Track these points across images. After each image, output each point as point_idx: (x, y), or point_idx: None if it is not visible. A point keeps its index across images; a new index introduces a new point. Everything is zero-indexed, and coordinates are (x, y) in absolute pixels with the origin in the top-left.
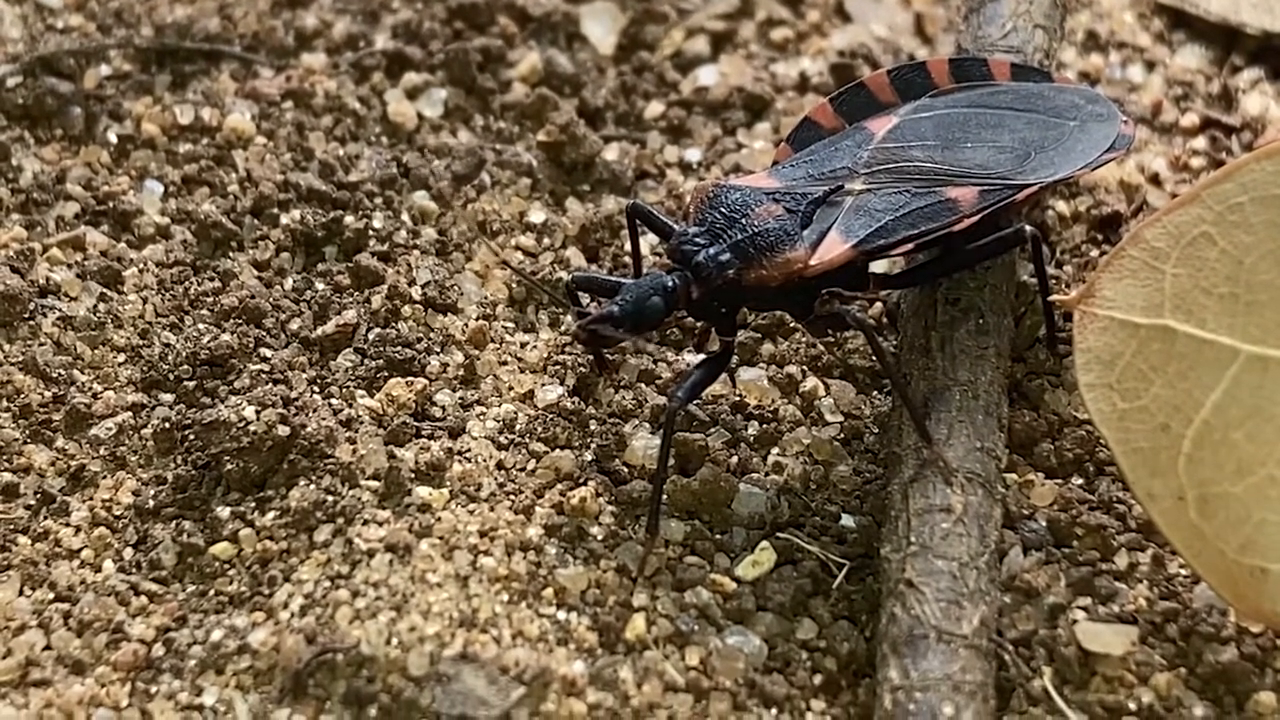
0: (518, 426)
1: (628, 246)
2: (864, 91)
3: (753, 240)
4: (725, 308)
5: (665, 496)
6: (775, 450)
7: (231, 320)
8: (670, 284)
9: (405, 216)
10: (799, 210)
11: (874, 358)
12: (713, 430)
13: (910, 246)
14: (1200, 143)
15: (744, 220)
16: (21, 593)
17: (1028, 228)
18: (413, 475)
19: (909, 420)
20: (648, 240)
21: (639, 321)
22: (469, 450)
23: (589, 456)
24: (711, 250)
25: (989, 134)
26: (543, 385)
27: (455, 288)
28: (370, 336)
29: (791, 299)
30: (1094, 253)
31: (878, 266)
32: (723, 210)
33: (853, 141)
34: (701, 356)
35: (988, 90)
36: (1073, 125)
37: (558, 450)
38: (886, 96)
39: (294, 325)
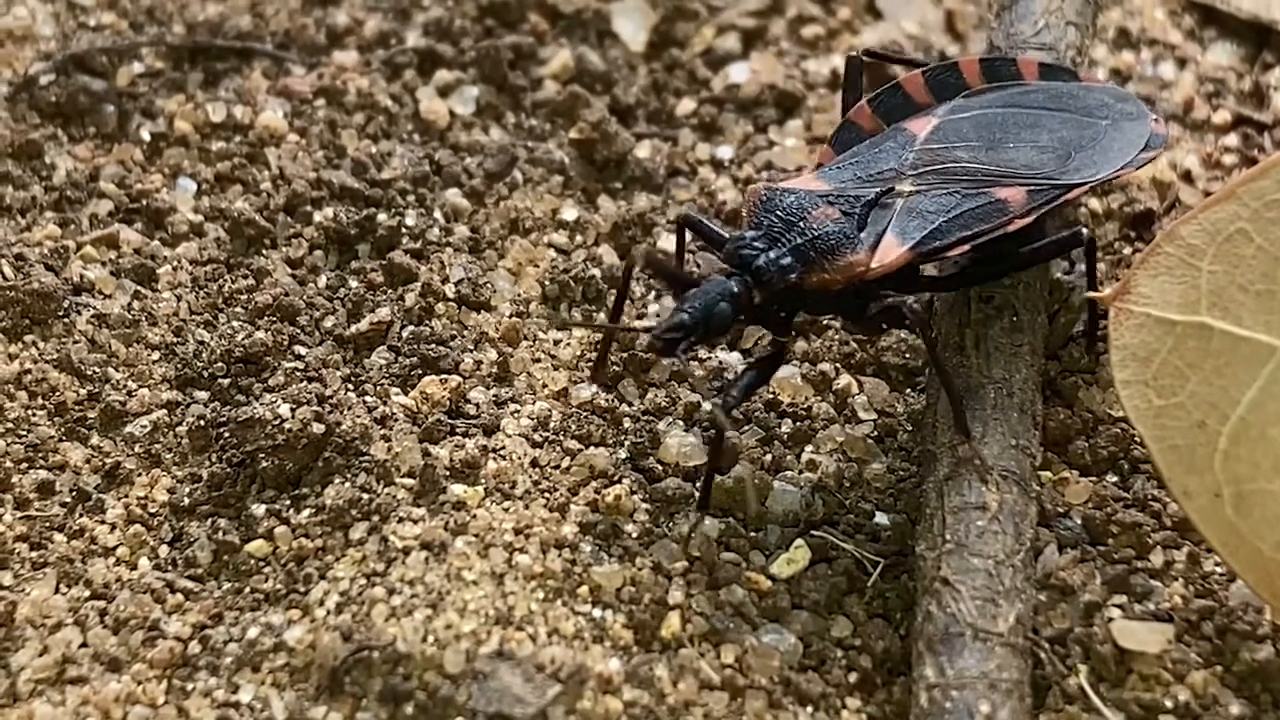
0: (551, 424)
1: (663, 245)
2: (900, 92)
3: (813, 244)
4: (784, 311)
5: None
6: (809, 448)
7: (265, 318)
8: (736, 288)
9: (438, 214)
10: (854, 213)
11: (908, 355)
12: (746, 428)
13: (966, 248)
14: (1232, 140)
15: (802, 224)
16: (58, 590)
17: (1084, 230)
18: (447, 473)
19: (945, 417)
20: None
21: (709, 328)
22: (503, 448)
23: (623, 454)
24: (772, 254)
25: (1028, 134)
26: (576, 383)
27: (488, 285)
28: (404, 334)
29: (848, 302)
30: (1127, 250)
31: (929, 269)
32: (779, 214)
33: (895, 143)
34: (753, 359)
35: (1019, 90)
36: (1105, 124)
37: (592, 448)
38: (922, 97)
39: (328, 323)
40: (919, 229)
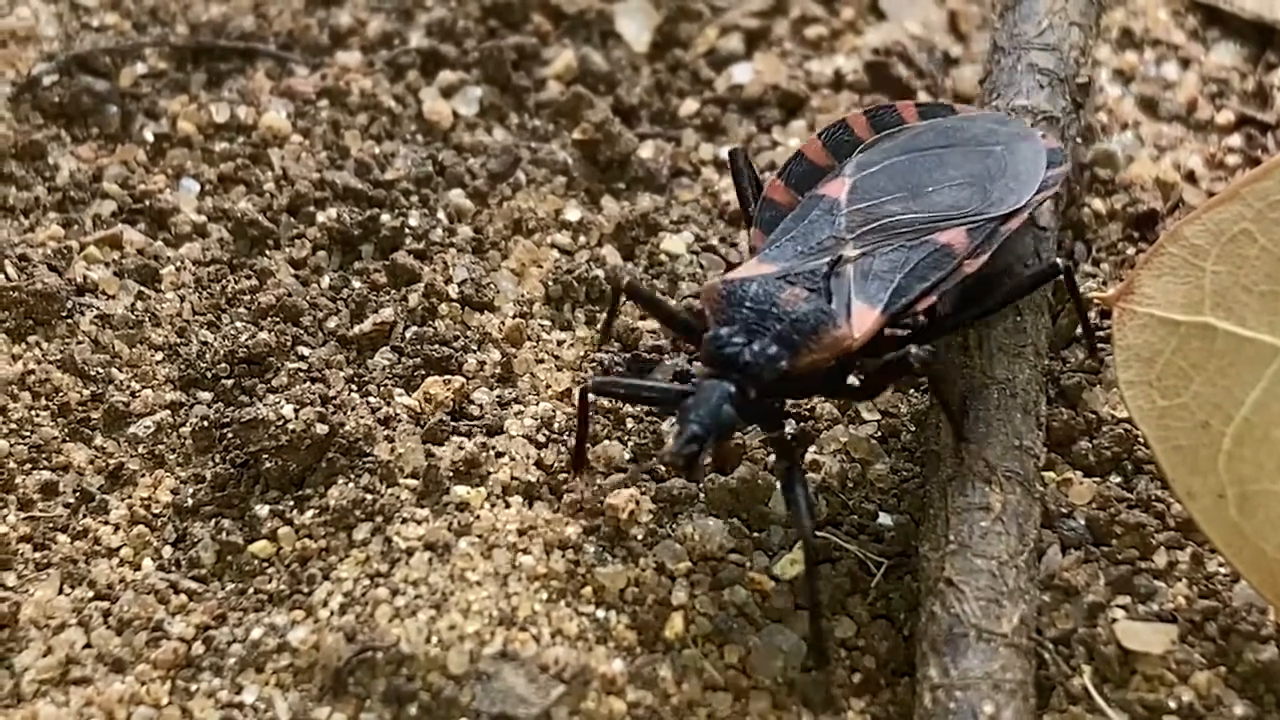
0: (555, 425)
1: (663, 246)
2: (804, 159)
3: (794, 328)
4: (777, 403)
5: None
6: (812, 448)
7: (269, 318)
8: (732, 389)
9: (441, 214)
10: (819, 288)
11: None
12: (750, 429)
13: (933, 299)
14: (1235, 140)
15: (775, 310)
16: (61, 591)
17: (1060, 261)
18: (451, 474)
19: (947, 424)
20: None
21: (720, 435)
22: (507, 449)
23: (627, 455)
24: (756, 347)
25: (940, 174)
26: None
27: (492, 286)
28: (407, 335)
29: (835, 378)
30: (1130, 250)
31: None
32: (748, 305)
33: (821, 211)
34: (782, 475)
35: (909, 135)
36: (1000, 149)
37: (596, 448)
38: (824, 160)
39: (331, 324)
40: (881, 289)
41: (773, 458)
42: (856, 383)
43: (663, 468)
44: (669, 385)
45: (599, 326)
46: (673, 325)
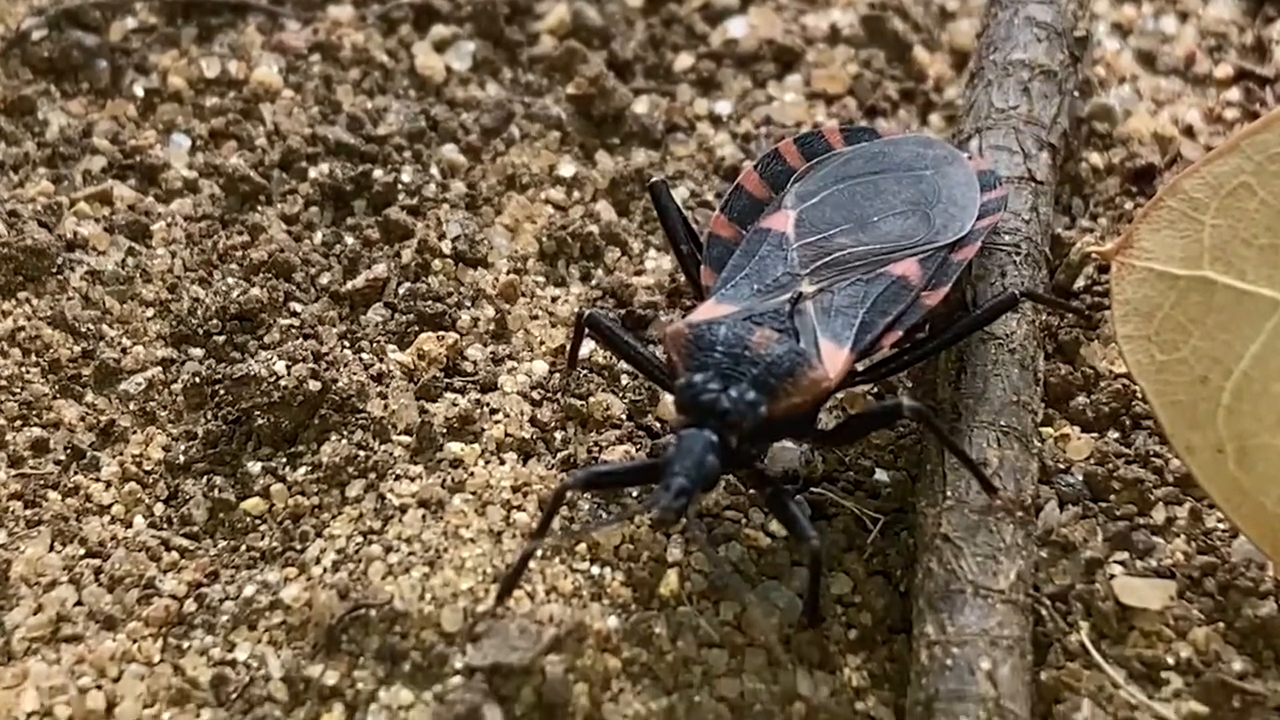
0: (550, 381)
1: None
2: (744, 192)
3: (769, 371)
4: (755, 449)
5: None
6: None
7: (260, 274)
8: (714, 438)
9: (434, 170)
10: (786, 328)
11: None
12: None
13: (899, 334)
14: (1234, 94)
15: (748, 353)
16: (52, 548)
17: (1017, 291)
18: (444, 430)
19: (945, 374)
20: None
21: (707, 485)
22: (501, 405)
23: (622, 412)
24: (733, 393)
25: (880, 204)
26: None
27: (485, 242)
28: (400, 291)
29: (802, 422)
30: (1128, 205)
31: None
32: (720, 349)
33: (770, 246)
34: (769, 502)
35: (839, 161)
36: (930, 174)
37: (590, 405)
38: (761, 192)
39: (324, 279)
40: (846, 327)
41: (753, 492)
42: (831, 427)
43: (657, 424)
44: (648, 462)
45: (566, 355)
46: (636, 365)
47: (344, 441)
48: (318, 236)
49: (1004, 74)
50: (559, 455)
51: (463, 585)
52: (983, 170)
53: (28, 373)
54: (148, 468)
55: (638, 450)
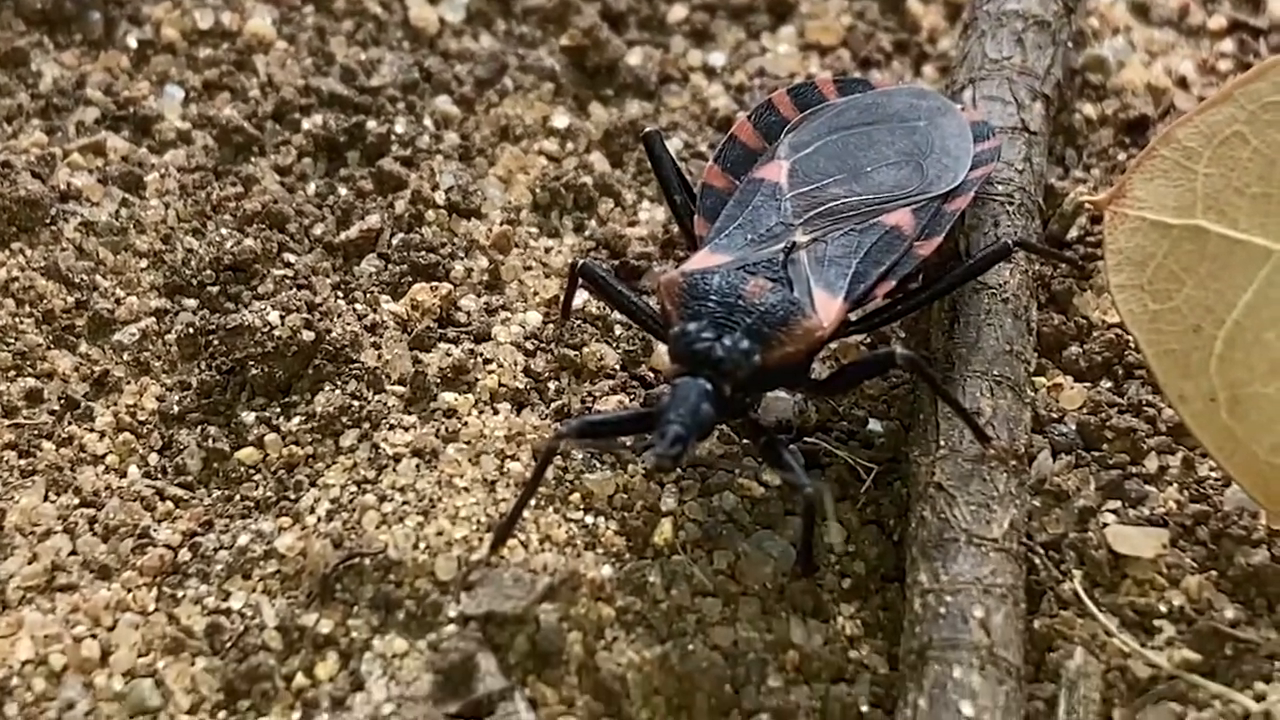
0: (544, 332)
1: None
2: (737, 142)
3: (763, 320)
4: (749, 398)
5: None
6: None
7: (254, 225)
8: (709, 386)
9: (428, 121)
10: (780, 277)
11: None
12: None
13: (893, 284)
14: (1228, 45)
15: (742, 302)
16: (46, 498)
17: (1010, 241)
18: (438, 380)
19: (939, 324)
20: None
21: (701, 433)
22: (495, 355)
23: (616, 362)
24: (727, 342)
25: (874, 154)
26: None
27: (479, 192)
28: (394, 241)
29: (796, 372)
30: (1121, 156)
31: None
32: (713, 299)
33: (764, 196)
34: (763, 450)
35: (833, 112)
36: (924, 125)
37: (584, 355)
38: (755, 142)
39: (317, 230)
40: (840, 276)
41: (746, 441)
42: (824, 377)
43: (650, 374)
44: (641, 410)
45: (560, 305)
46: (630, 315)
47: (338, 391)
48: (311, 187)
49: (998, 25)
50: (553, 405)
51: (457, 534)
52: (976, 121)
53: (22, 323)
54: (142, 418)
55: (631, 400)
